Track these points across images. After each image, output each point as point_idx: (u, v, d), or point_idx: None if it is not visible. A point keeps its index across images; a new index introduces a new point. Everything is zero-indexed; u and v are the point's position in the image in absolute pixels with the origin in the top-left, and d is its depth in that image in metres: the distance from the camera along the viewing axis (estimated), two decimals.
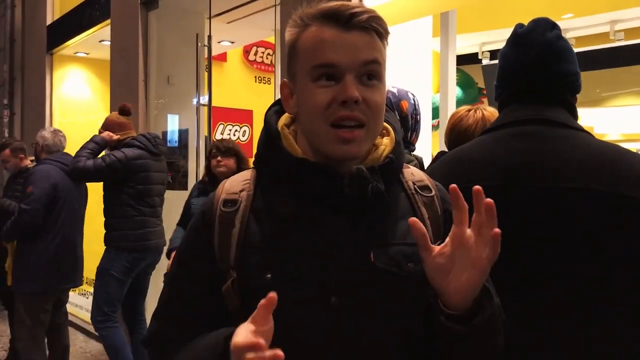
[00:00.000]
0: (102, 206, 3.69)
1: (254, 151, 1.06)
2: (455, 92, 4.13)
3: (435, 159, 2.06)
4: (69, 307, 4.35)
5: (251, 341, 0.73)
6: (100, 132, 3.66)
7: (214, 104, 4.66)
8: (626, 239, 1.16)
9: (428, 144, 3.81)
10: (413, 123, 1.94)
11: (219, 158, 3.33)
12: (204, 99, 4.50)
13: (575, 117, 1.35)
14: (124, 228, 3.52)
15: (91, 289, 4.62)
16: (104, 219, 3.67)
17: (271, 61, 7.19)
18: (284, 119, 1.03)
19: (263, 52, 7.37)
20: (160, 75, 4.97)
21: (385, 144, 1.01)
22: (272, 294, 0.75)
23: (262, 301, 0.75)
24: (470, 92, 6.28)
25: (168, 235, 3.65)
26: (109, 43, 5.49)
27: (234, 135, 7.03)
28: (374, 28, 0.93)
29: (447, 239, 0.86)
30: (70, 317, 4.51)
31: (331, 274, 0.91)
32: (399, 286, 0.94)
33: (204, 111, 4.51)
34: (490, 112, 1.95)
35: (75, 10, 6.16)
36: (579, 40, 5.24)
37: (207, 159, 3.49)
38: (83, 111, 6.86)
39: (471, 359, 0.94)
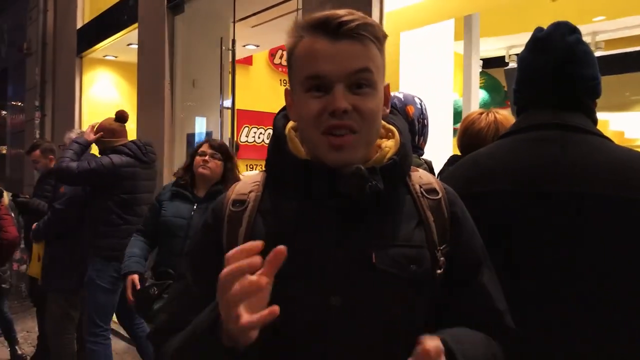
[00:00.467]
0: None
1: None
2: (478, 95, 4.09)
3: (448, 163, 2.04)
4: None
5: (237, 265, 0.74)
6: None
7: (239, 107, 4.69)
8: None
9: (449, 148, 3.77)
10: (420, 127, 1.94)
11: (206, 158, 2.89)
12: (228, 102, 4.53)
13: (595, 122, 1.33)
14: (111, 237, 3.40)
15: None
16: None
17: None
18: (293, 122, 1.05)
19: None
20: (186, 79, 5.04)
21: (390, 146, 1.01)
22: (281, 247, 0.76)
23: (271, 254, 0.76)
24: (496, 96, 6.21)
25: None
26: (136, 46, 5.59)
27: (259, 137, 7.08)
28: (365, 35, 0.92)
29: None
30: None
31: (331, 274, 0.92)
32: (399, 288, 0.94)
33: (228, 114, 4.55)
34: (503, 115, 1.94)
35: (104, 14, 6.29)
36: (608, 43, 5.14)
37: (190, 156, 3.02)
38: (111, 113, 6.94)
39: None
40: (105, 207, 3.42)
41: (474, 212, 1.07)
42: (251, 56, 6.98)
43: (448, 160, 2.08)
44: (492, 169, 1.31)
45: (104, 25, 6.25)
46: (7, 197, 4.44)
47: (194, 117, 5.08)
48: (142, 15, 5.44)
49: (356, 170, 0.92)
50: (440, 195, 1.02)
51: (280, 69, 7.35)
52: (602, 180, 1.18)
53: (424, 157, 1.95)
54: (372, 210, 0.96)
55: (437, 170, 2.06)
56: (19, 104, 9.15)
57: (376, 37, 0.95)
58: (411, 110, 1.92)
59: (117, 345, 4.72)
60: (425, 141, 2.00)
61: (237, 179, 2.63)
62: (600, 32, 5.05)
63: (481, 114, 1.97)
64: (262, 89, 7.02)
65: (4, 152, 10.44)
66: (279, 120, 1.06)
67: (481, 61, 5.33)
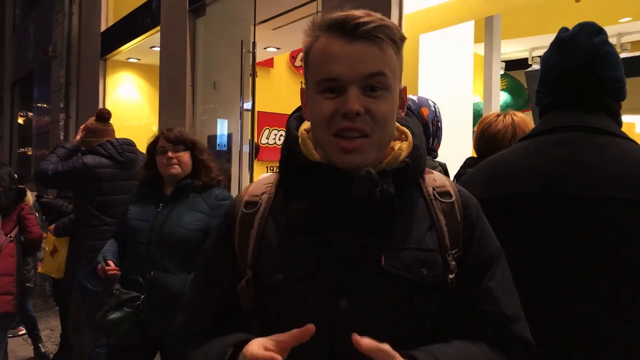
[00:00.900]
0: None
1: None
2: (499, 98, 4.04)
3: (464, 165, 2.03)
4: None
5: (271, 355, 0.78)
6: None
7: (260, 109, 4.70)
8: None
9: (468, 151, 3.74)
10: (434, 129, 1.94)
11: (169, 154, 2.42)
12: (248, 104, 4.55)
13: (620, 124, 1.31)
14: (92, 239, 3.30)
15: None
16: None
17: None
18: (307, 123, 1.05)
19: None
20: (207, 81, 5.09)
21: (403, 148, 1.00)
22: (310, 326, 0.80)
23: (297, 330, 0.81)
24: (518, 99, 6.14)
25: None
26: (159, 49, 5.65)
27: (279, 139, 7.11)
28: (381, 37, 0.91)
29: None
30: None
31: (340, 277, 0.92)
32: (409, 291, 0.93)
33: (249, 116, 4.57)
34: (520, 117, 1.92)
35: (127, 17, 6.38)
36: (635, 44, 5.05)
37: (148, 154, 2.57)
38: (134, 115, 7.10)
39: None
40: (84, 209, 3.36)
41: (495, 214, 1.05)
42: (272, 58, 7.02)
43: (464, 162, 2.06)
44: (514, 171, 1.30)
45: (127, 29, 6.34)
46: (31, 197, 4.51)
47: (215, 119, 5.12)
48: (164, 18, 5.51)
49: (366, 174, 0.92)
50: (453, 198, 1.01)
51: (301, 71, 7.35)
52: (626, 184, 1.16)
53: (437, 159, 1.94)
54: (383, 213, 0.95)
55: (453, 173, 2.04)
56: (45, 105, 9.32)
57: (393, 39, 0.93)
58: (425, 112, 1.92)
59: None
60: (439, 143, 1.99)
61: (210, 167, 2.48)
62: (626, 33, 4.95)
63: (498, 116, 1.95)
64: (283, 91, 7.06)
65: (30, 153, 10.64)
66: (291, 122, 1.06)
67: (503, 63, 5.27)
